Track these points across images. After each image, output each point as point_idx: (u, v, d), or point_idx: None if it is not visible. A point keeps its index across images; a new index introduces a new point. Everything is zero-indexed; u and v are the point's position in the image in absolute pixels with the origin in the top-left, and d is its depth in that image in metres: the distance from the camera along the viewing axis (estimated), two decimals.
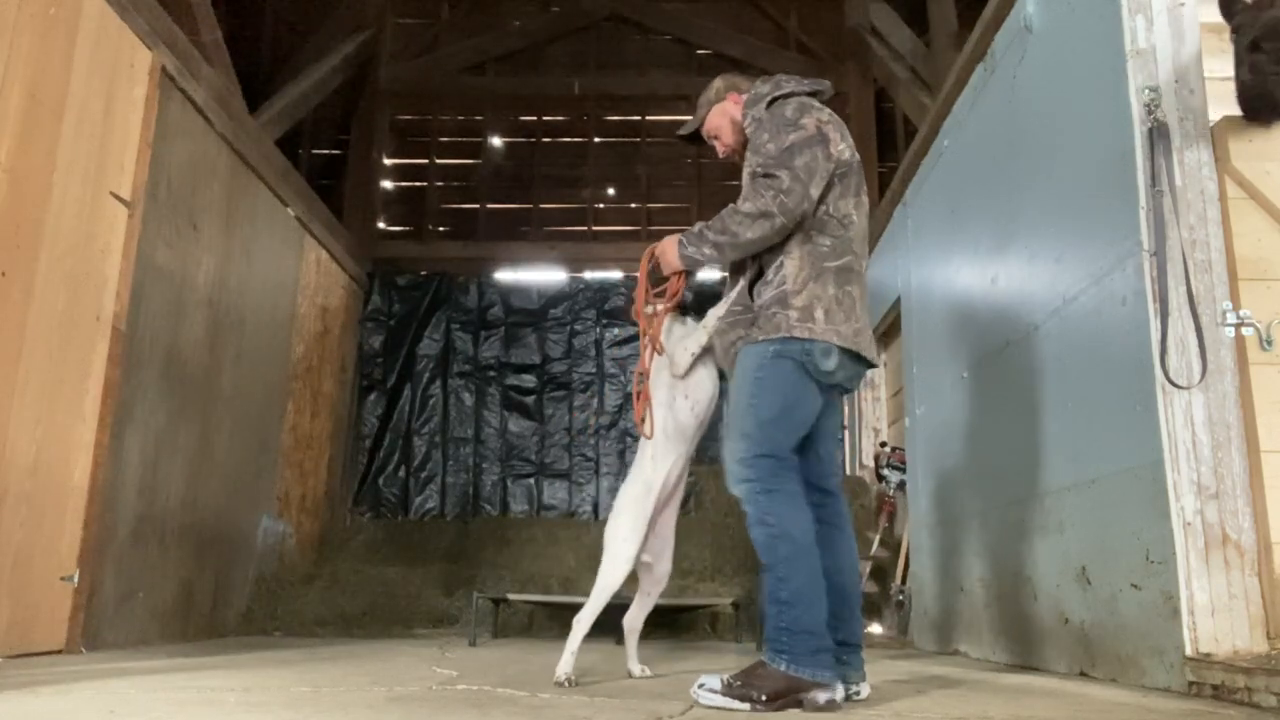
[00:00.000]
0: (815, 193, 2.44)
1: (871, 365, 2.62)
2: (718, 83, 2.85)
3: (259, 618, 5.88)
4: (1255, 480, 2.66)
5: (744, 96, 2.72)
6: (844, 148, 2.55)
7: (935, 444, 4.99)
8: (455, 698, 2.41)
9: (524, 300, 8.19)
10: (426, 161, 8.77)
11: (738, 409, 2.49)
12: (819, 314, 2.45)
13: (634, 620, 3.16)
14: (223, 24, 5.57)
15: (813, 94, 2.66)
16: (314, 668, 3.31)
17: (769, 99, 2.62)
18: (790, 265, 2.49)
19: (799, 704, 2.21)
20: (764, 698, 2.19)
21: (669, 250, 2.66)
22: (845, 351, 2.48)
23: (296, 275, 6.64)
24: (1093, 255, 3.18)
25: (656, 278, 2.78)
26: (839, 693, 2.28)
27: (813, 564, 2.31)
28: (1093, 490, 3.14)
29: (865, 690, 2.50)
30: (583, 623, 2.83)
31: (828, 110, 2.61)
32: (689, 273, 2.74)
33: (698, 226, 2.60)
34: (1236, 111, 2.86)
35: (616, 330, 8.10)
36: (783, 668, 2.22)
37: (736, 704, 2.21)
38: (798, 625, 2.24)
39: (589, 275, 8.29)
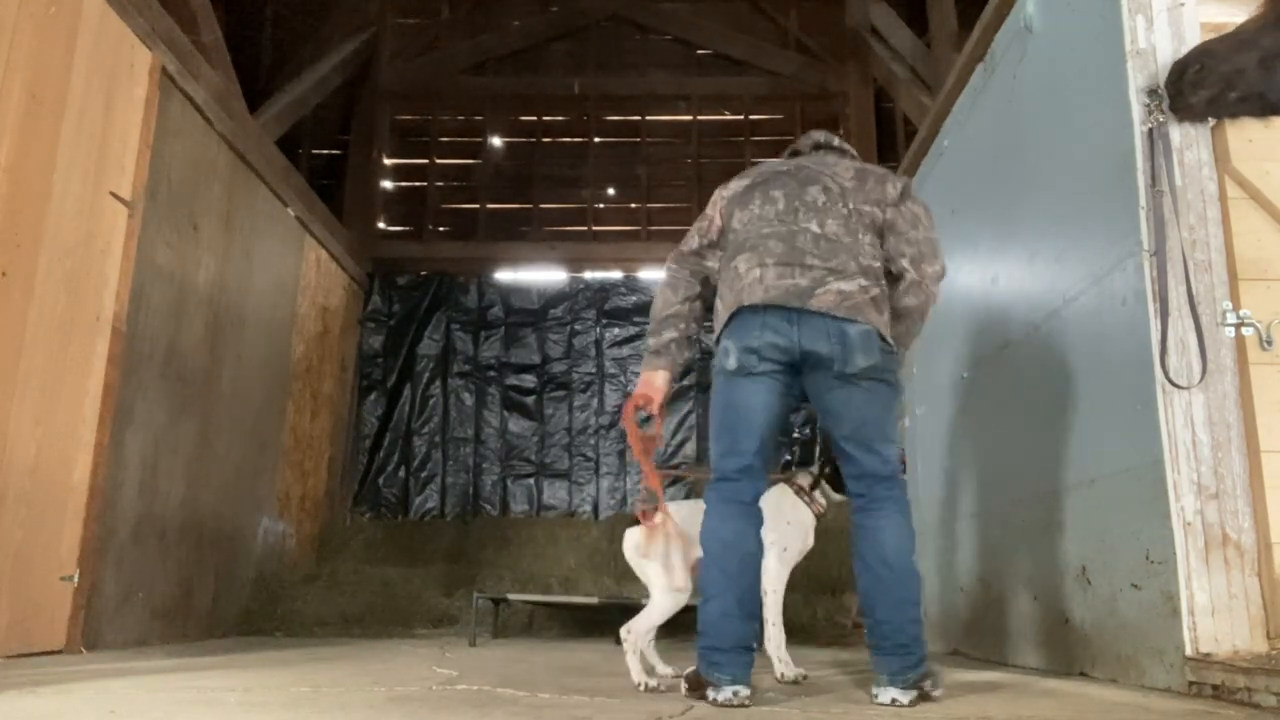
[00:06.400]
0: (683, 247, 2.76)
1: (796, 311, 2.44)
2: None
3: (259, 618, 5.88)
4: (1255, 480, 2.66)
5: None
6: (735, 184, 2.74)
7: (935, 444, 4.99)
8: (455, 698, 2.41)
9: (524, 300, 8.19)
10: (426, 161, 8.77)
11: None
12: (718, 318, 2.60)
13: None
14: (223, 24, 5.58)
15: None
16: (314, 668, 3.31)
17: None
18: None
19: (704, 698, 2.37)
20: (687, 687, 2.43)
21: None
22: (737, 322, 2.50)
23: (297, 275, 6.64)
24: (1093, 255, 3.18)
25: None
26: (723, 694, 2.30)
27: (716, 572, 2.43)
28: (1093, 490, 3.14)
29: (884, 695, 2.35)
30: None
31: (744, 170, 2.81)
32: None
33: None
34: None
35: (616, 330, 8.10)
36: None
37: (682, 685, 2.48)
38: (698, 626, 2.41)
39: (589, 275, 8.29)
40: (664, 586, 2.93)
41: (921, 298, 2.60)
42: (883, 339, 2.48)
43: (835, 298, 2.44)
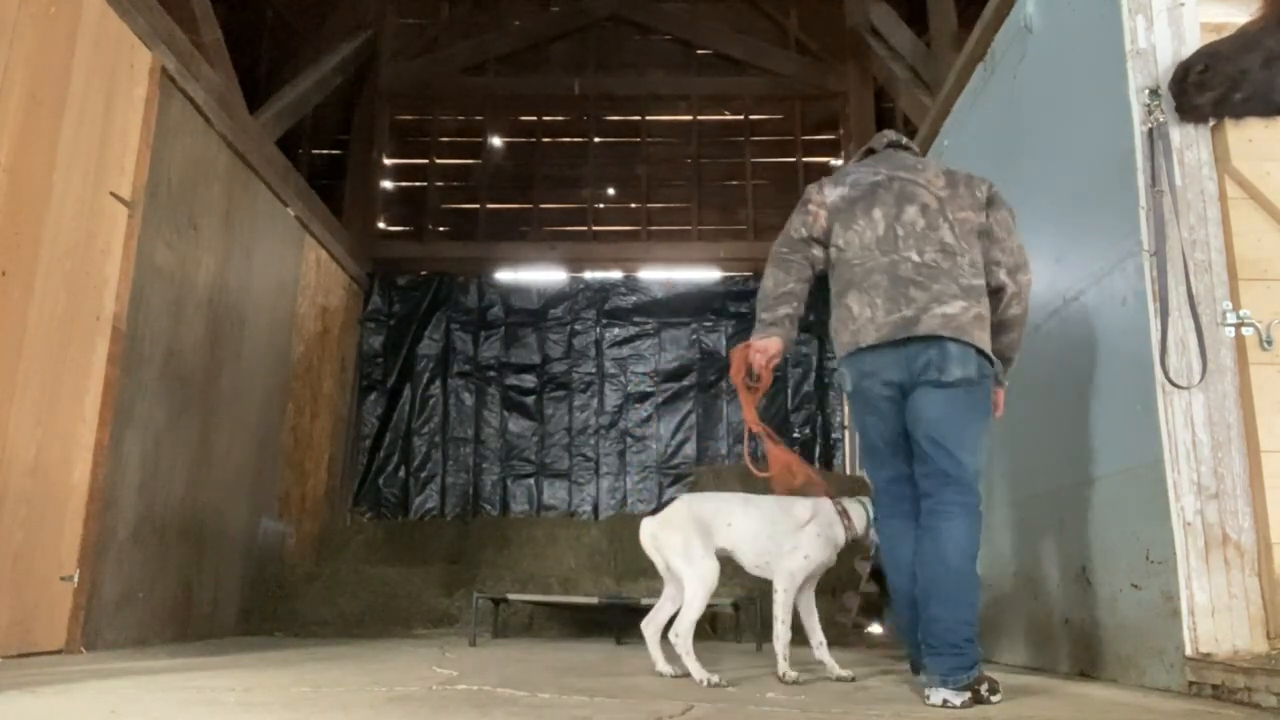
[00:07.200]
0: (794, 234, 2.84)
1: (905, 340, 2.57)
2: None
3: (259, 618, 5.88)
4: (1255, 480, 2.66)
5: None
6: (831, 192, 2.82)
7: None
8: (455, 697, 2.41)
9: (524, 300, 8.19)
10: (426, 161, 8.77)
11: None
12: (837, 348, 2.77)
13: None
14: (223, 24, 5.57)
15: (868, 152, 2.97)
16: (314, 668, 3.31)
17: None
18: None
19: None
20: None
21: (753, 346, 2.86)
22: (855, 357, 2.67)
23: (296, 275, 6.64)
24: (1093, 255, 3.18)
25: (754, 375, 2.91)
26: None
27: (892, 576, 2.75)
28: (1093, 490, 3.14)
29: (935, 696, 2.36)
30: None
31: (836, 175, 2.90)
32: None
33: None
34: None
35: (616, 330, 8.10)
36: None
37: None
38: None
39: (589, 275, 8.29)
40: (692, 575, 2.99)
41: (1023, 307, 2.74)
42: (980, 354, 2.58)
43: (940, 321, 2.56)
